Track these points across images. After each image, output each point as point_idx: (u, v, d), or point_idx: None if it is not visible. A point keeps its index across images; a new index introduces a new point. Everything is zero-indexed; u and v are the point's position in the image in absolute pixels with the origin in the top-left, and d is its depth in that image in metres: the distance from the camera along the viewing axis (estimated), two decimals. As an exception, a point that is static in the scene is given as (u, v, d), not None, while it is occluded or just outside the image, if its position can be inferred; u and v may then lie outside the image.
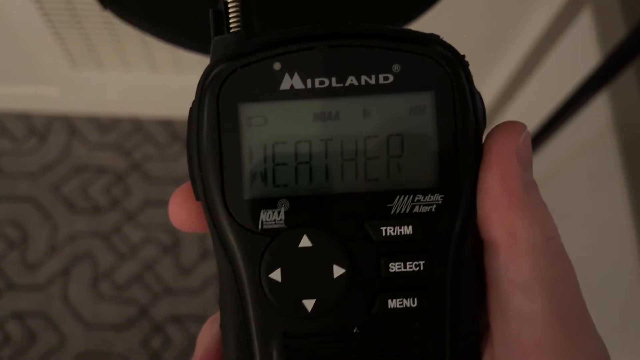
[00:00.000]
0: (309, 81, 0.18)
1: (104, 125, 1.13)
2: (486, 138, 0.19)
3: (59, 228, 1.05)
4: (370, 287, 0.19)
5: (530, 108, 0.83)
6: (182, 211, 0.20)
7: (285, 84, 0.18)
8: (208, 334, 0.21)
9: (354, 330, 0.19)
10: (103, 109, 1.13)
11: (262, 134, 0.18)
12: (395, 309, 0.18)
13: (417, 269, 0.18)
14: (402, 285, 0.19)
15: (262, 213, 0.18)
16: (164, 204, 1.07)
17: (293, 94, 0.18)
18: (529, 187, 0.18)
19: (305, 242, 0.18)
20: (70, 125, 1.13)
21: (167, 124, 1.13)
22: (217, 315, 0.21)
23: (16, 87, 1.09)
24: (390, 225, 0.18)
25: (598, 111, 0.66)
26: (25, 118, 1.13)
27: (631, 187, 0.62)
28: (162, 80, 1.03)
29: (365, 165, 0.19)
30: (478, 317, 0.20)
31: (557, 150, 0.71)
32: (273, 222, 0.18)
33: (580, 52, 0.71)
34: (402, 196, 0.19)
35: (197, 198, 0.19)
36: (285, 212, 0.18)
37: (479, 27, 0.84)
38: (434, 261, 0.19)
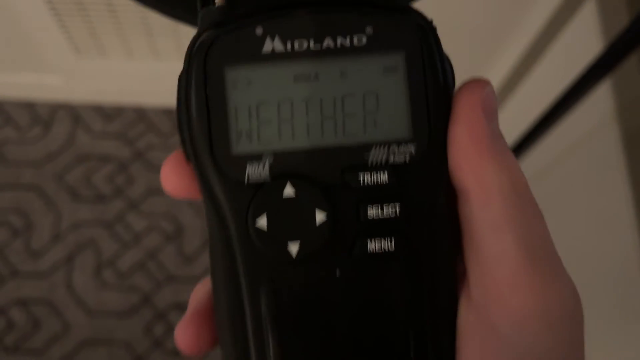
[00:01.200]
0: (289, 44, 0.19)
1: (108, 114, 1.13)
2: (455, 95, 0.20)
3: (62, 216, 1.06)
4: (351, 231, 0.20)
5: (533, 97, 0.82)
6: (174, 176, 0.21)
7: (267, 47, 0.19)
8: (200, 291, 0.22)
9: (337, 274, 0.20)
10: (107, 97, 1.13)
11: (246, 95, 0.20)
12: (374, 253, 0.20)
13: (394, 214, 0.20)
14: (380, 229, 0.20)
15: (248, 167, 0.20)
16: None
17: (274, 57, 0.20)
18: (494, 136, 0.19)
19: (288, 191, 0.20)
20: (74, 114, 1.13)
21: (170, 113, 1.13)
22: (207, 279, 0.22)
23: (20, 75, 1.09)
24: (367, 172, 0.20)
25: (600, 101, 0.66)
26: (29, 107, 1.13)
27: (633, 177, 0.62)
28: (165, 70, 1.03)
29: (343, 122, 0.20)
30: (454, 262, 0.21)
31: (559, 140, 0.71)
32: (258, 175, 0.20)
33: (583, 41, 0.71)
34: (378, 147, 0.20)
35: (188, 159, 0.20)
36: (269, 165, 0.20)
37: (483, 16, 0.84)
38: (408, 206, 0.20)
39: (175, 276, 1.03)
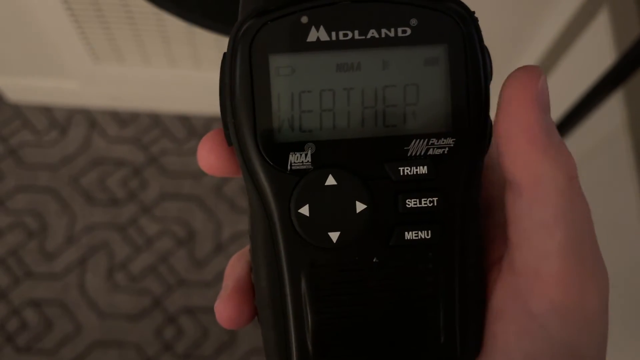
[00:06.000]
0: (333, 34, 0.20)
1: (123, 119, 1.15)
2: (504, 85, 0.19)
3: (77, 219, 1.07)
4: (389, 221, 0.20)
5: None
6: (212, 156, 0.21)
7: (312, 36, 0.20)
8: (238, 266, 0.23)
9: (374, 260, 0.21)
10: (123, 103, 1.15)
11: (290, 83, 0.20)
12: (411, 241, 0.20)
13: (431, 204, 0.20)
14: (418, 219, 0.20)
15: (290, 155, 0.20)
16: (179, 197, 1.09)
17: (318, 46, 0.20)
18: (549, 130, 0.19)
19: (330, 181, 0.20)
20: (90, 118, 1.15)
21: (184, 120, 1.15)
22: (244, 250, 0.23)
23: (39, 80, 1.11)
24: (407, 166, 0.20)
25: (611, 112, 0.66)
26: (46, 111, 1.15)
27: (644, 188, 0.62)
28: (181, 76, 1.05)
29: (384, 113, 0.20)
30: (485, 250, 0.22)
31: (570, 150, 0.72)
32: (301, 164, 0.20)
33: (595, 53, 0.71)
34: (418, 140, 0.20)
35: (230, 144, 0.21)
36: (312, 155, 0.20)
37: (496, 27, 0.85)
38: (445, 198, 0.20)
39: (186, 280, 1.04)
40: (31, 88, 1.13)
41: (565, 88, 0.77)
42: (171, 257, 1.06)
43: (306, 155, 0.20)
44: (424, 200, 0.20)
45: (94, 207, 1.08)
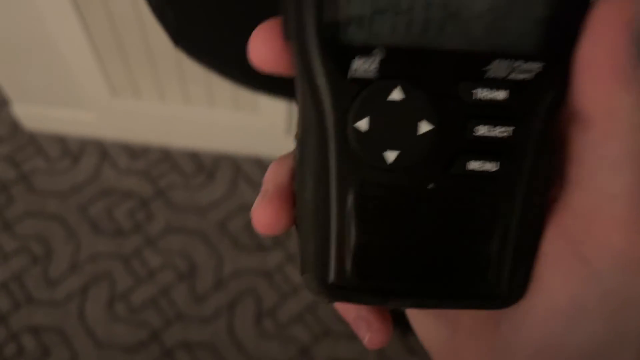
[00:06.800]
0: None
1: (134, 152, 1.18)
2: (597, 4, 0.17)
3: (81, 247, 1.09)
4: (454, 147, 0.19)
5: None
6: (266, 49, 0.19)
7: None
8: (279, 171, 0.21)
9: (429, 186, 0.19)
10: (135, 136, 1.18)
11: None
12: (473, 171, 0.19)
13: (504, 134, 0.18)
14: (486, 149, 0.19)
15: (355, 59, 0.18)
16: (184, 231, 1.11)
17: None
18: (637, 64, 0.17)
19: (396, 94, 0.18)
20: (102, 149, 1.18)
21: (194, 155, 1.17)
22: (285, 156, 0.22)
23: (56, 109, 1.15)
24: (485, 88, 0.18)
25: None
26: (61, 140, 1.18)
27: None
28: (193, 113, 1.08)
29: (468, 23, 0.18)
30: (549, 190, 0.20)
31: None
32: (365, 71, 0.18)
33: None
34: (501, 60, 0.18)
35: (288, 37, 0.18)
36: (379, 62, 0.18)
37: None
38: (521, 129, 0.18)
39: (185, 315, 1.05)
40: (48, 117, 1.16)
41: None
42: (172, 290, 1.07)
43: (373, 61, 0.18)
44: (497, 129, 0.18)
45: (99, 237, 1.10)
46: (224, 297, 1.05)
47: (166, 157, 1.17)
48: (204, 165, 1.17)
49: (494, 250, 0.19)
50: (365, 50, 0.18)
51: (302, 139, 0.20)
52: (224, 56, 0.34)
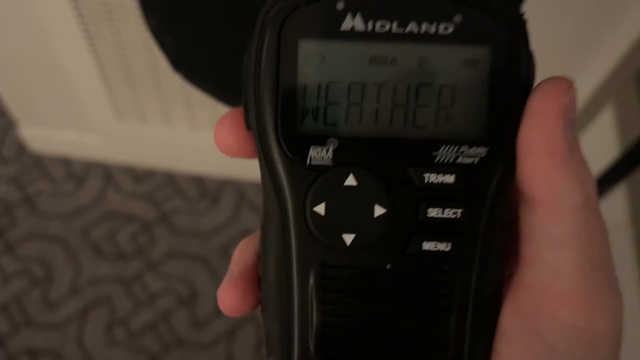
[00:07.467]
0: (370, 23, 0.18)
1: (139, 176, 1.18)
2: (532, 94, 0.18)
3: (82, 270, 1.08)
4: (408, 229, 0.19)
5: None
6: (229, 137, 0.20)
7: (347, 24, 0.18)
8: (245, 253, 0.22)
9: (387, 267, 0.20)
10: (140, 160, 1.18)
11: (318, 72, 0.19)
12: (428, 251, 0.19)
13: (454, 216, 0.19)
14: (438, 230, 0.19)
15: (311, 149, 0.19)
16: (186, 256, 1.10)
17: (353, 35, 0.18)
18: (572, 145, 0.18)
19: (350, 180, 0.19)
20: (107, 172, 1.18)
21: (198, 180, 1.17)
22: (253, 236, 0.22)
23: (62, 132, 1.15)
24: (433, 173, 0.19)
25: (614, 205, 0.68)
26: (66, 162, 1.19)
27: (645, 282, 0.63)
28: (198, 138, 1.08)
29: (415, 112, 0.19)
30: (503, 266, 0.20)
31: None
32: (321, 159, 0.19)
33: (599, 148, 0.74)
34: (448, 146, 0.19)
35: (249, 128, 0.20)
36: (333, 151, 0.19)
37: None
38: (471, 211, 0.19)
39: (184, 341, 1.03)
40: (54, 139, 1.17)
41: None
42: (172, 316, 1.05)
43: (327, 150, 0.19)
44: (447, 211, 0.19)
45: (101, 260, 1.10)
46: (224, 324, 1.04)
47: (170, 181, 1.17)
48: (208, 190, 1.17)
49: (453, 328, 0.20)
50: (321, 140, 0.19)
51: (265, 223, 0.21)
52: (223, 82, 0.34)
